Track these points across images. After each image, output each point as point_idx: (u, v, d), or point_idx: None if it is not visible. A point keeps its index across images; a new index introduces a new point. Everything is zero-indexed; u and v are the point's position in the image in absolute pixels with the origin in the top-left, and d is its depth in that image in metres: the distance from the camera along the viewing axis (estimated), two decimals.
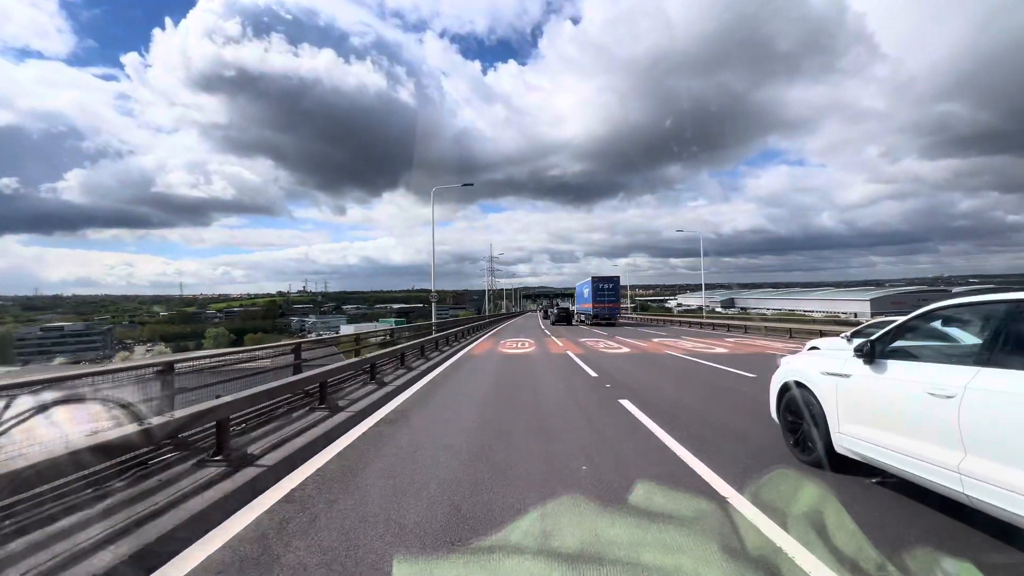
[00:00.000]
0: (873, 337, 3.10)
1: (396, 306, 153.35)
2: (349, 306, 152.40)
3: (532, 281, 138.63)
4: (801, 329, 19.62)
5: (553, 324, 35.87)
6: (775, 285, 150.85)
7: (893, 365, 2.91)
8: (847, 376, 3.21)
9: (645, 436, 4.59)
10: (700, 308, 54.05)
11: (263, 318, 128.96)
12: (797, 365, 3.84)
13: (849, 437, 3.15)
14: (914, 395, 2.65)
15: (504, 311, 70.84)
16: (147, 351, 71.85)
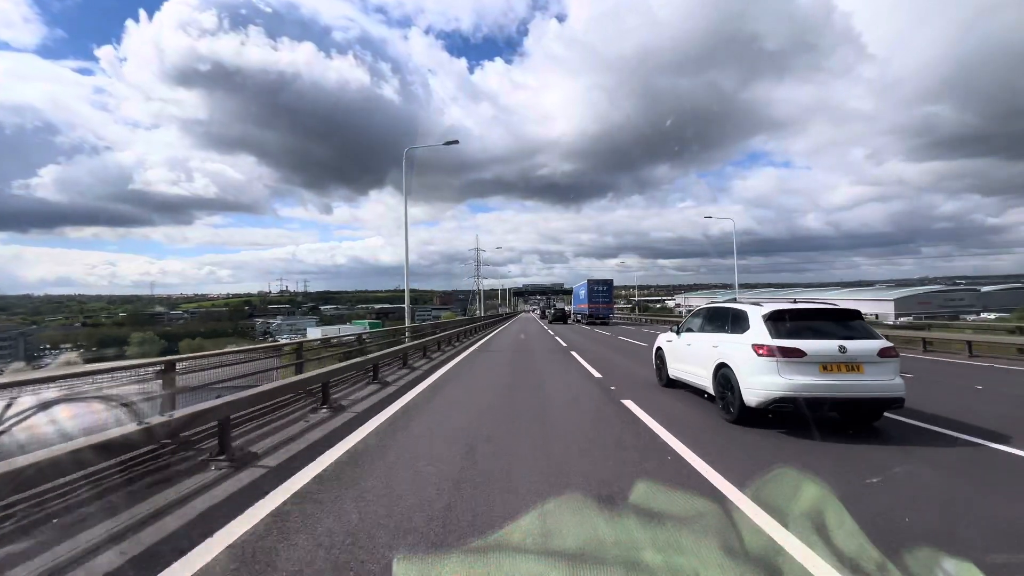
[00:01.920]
0: (679, 326, 7.67)
1: (378, 306, 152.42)
2: (328, 306, 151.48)
3: (523, 282, 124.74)
4: None
5: (551, 323, 40.27)
6: (769, 285, 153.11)
7: (683, 336, 7.30)
8: (671, 342, 7.71)
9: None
10: None
11: (229, 319, 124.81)
12: (659, 340, 8.38)
13: (673, 369, 7.63)
14: (688, 346, 7.15)
15: (494, 312, 63.35)
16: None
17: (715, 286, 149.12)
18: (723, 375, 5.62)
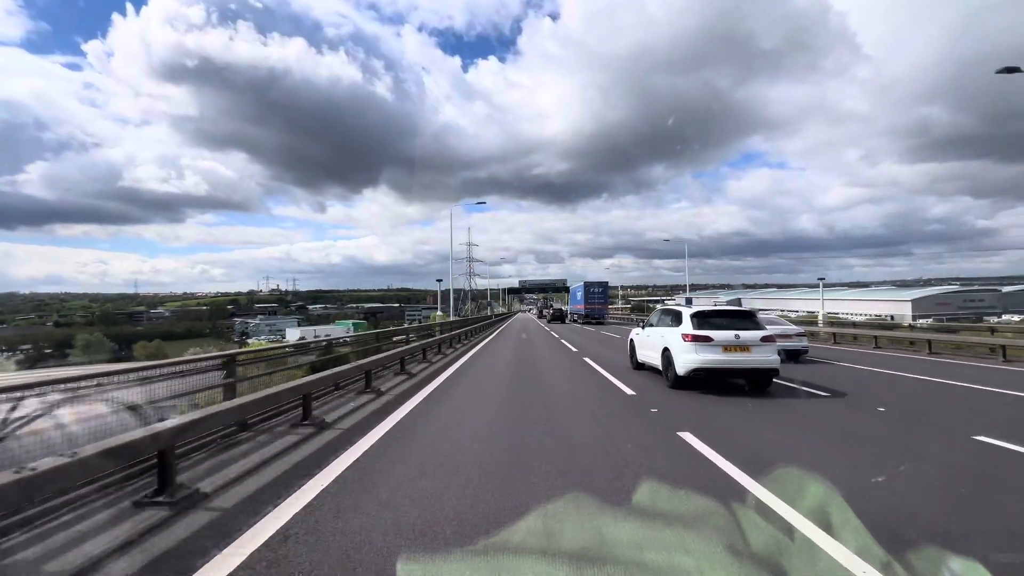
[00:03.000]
0: (644, 323, 10.40)
1: (368, 306, 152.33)
2: (317, 306, 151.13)
3: (520, 281, 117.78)
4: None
5: (549, 323, 43.36)
6: (766, 285, 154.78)
7: (646, 330, 10.08)
8: (638, 335, 10.47)
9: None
10: None
11: (209, 319, 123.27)
12: (631, 334, 11.07)
13: (640, 355, 10.35)
14: (648, 337, 9.84)
15: (488, 314, 54.44)
16: None
17: (713, 286, 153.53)
18: (666, 355, 8.35)
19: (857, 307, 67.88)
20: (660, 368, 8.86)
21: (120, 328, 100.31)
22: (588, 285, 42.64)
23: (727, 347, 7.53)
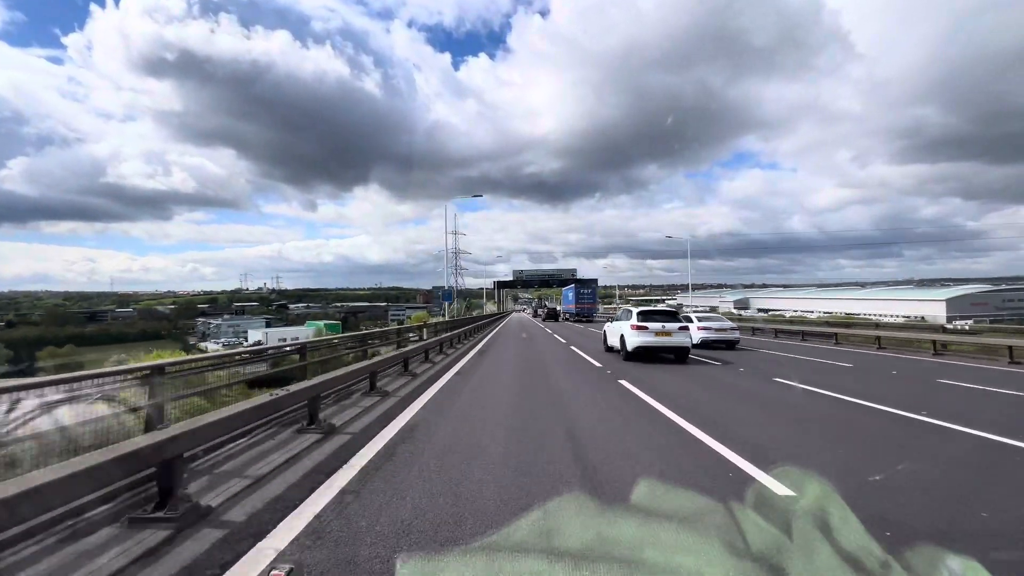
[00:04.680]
0: (612, 319, 15.21)
1: (350, 305, 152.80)
2: (299, 305, 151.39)
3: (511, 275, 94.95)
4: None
5: (543, 321, 48.96)
6: (764, 286, 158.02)
7: (612, 324, 14.96)
8: (607, 327, 15.38)
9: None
10: (713, 309, 50.70)
11: (175, 319, 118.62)
12: (604, 327, 15.85)
13: (608, 341, 15.23)
14: (612, 328, 14.65)
15: (476, 314, 47.04)
16: None
17: (710, 286, 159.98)
18: (622, 339, 13.17)
19: (883, 307, 62.70)
20: (616, 347, 13.54)
21: (65, 329, 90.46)
22: (578, 286, 49.34)
23: (658, 333, 12.34)
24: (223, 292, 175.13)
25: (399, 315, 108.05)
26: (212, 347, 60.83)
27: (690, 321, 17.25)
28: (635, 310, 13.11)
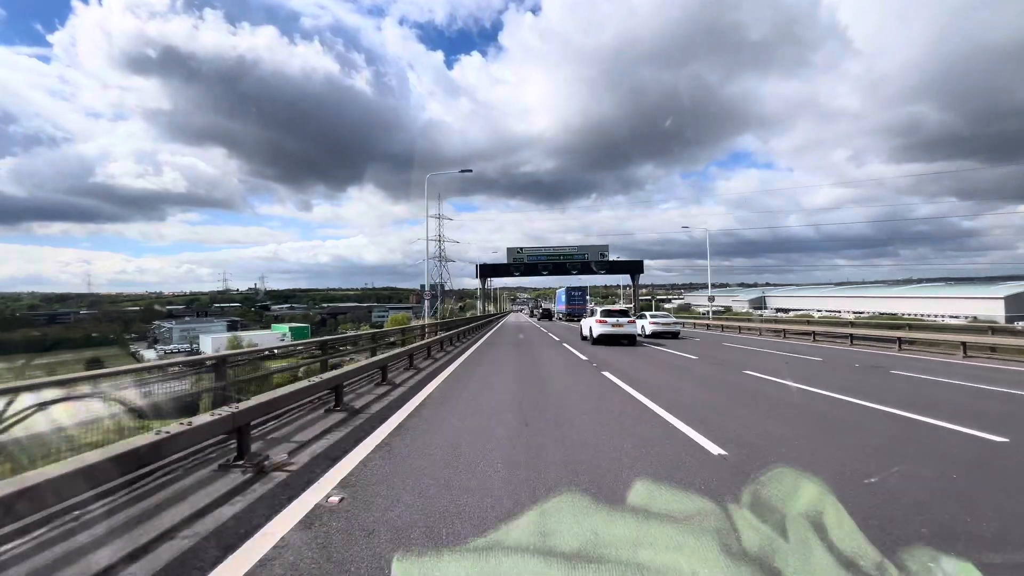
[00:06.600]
0: (597, 312, 20.97)
1: (330, 305, 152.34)
2: (283, 306, 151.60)
3: (510, 283, 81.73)
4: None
5: (539, 320, 56.36)
6: (767, 285, 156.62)
7: (587, 319, 20.76)
8: (584, 322, 21.18)
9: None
10: (728, 308, 53.10)
11: (126, 323, 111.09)
12: (581, 322, 21.62)
13: (583, 332, 20.99)
14: (584, 323, 20.45)
15: (469, 315, 42.17)
16: None
17: (712, 285, 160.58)
18: (590, 329, 19.05)
19: (925, 307, 56.94)
20: (586, 335, 19.26)
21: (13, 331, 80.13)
22: (569, 289, 56.50)
23: (614, 325, 18.09)
24: (209, 293, 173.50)
25: (384, 316, 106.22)
26: (149, 355, 55.63)
27: (642, 317, 23.65)
28: (599, 309, 18.79)
